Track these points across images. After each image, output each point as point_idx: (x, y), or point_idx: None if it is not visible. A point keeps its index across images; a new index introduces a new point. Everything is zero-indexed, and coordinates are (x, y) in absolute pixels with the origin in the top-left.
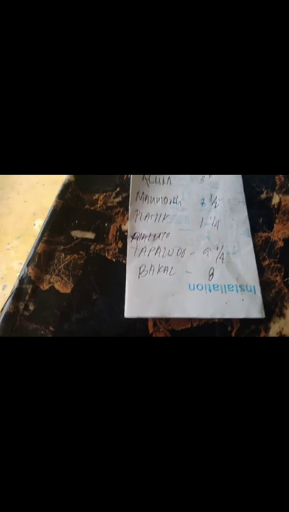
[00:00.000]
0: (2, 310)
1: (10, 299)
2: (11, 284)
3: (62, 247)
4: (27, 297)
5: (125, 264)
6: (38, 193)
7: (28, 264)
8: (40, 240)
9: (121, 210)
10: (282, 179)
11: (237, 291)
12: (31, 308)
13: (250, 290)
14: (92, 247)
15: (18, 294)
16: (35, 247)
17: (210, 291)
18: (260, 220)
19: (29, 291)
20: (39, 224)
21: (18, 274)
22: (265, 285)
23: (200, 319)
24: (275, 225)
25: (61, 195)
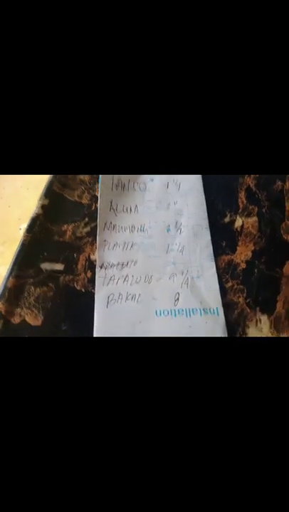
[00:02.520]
0: None
1: None
2: None
3: (31, 280)
4: None
5: (94, 294)
6: (22, 197)
7: None
8: (9, 274)
9: (90, 239)
10: (245, 202)
11: (201, 314)
12: None
13: (213, 312)
14: (61, 278)
15: None
16: (5, 283)
17: (175, 316)
18: (224, 244)
19: (0, 326)
20: (24, 228)
21: None
22: (228, 306)
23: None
24: (237, 247)
25: (29, 228)
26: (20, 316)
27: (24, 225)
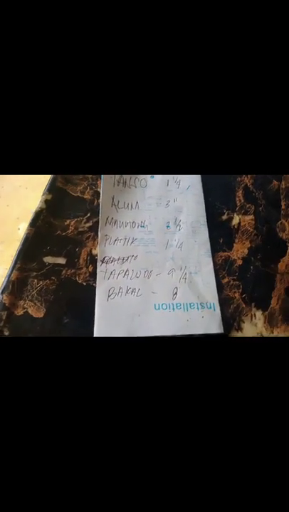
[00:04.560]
0: None
1: None
2: None
3: (34, 273)
4: (2, 323)
5: (95, 288)
6: (21, 197)
7: (2, 292)
8: (13, 267)
9: (91, 234)
10: (242, 200)
11: (198, 308)
12: (6, 333)
13: (210, 307)
14: (63, 272)
15: None
16: (9, 275)
17: (173, 310)
18: (221, 240)
19: (4, 317)
20: (23, 228)
21: None
22: (224, 301)
23: (164, 337)
24: (234, 244)
25: (33, 223)
26: (24, 308)
27: (23, 224)
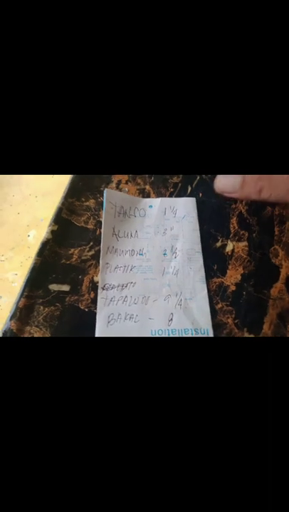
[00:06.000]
0: None
1: None
2: (5, 295)
3: (40, 300)
4: None
5: (96, 314)
6: (30, 205)
7: (10, 319)
8: (21, 295)
9: (94, 262)
10: (236, 227)
11: (192, 334)
12: None
13: (204, 333)
14: (67, 298)
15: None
16: (17, 303)
17: (168, 335)
18: (215, 267)
19: None
20: (33, 235)
21: (1, 329)
22: (217, 327)
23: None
24: (228, 270)
25: (40, 253)
26: (30, 333)
27: (33, 232)
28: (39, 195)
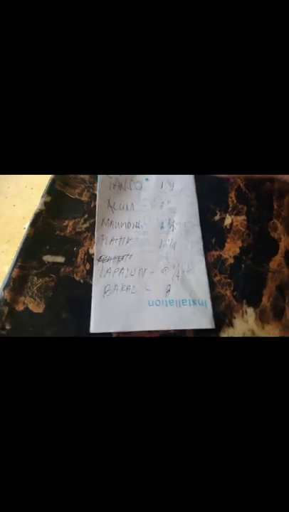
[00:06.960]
0: None
1: None
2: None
3: (34, 271)
4: (3, 318)
5: (92, 285)
6: (26, 197)
7: (3, 289)
8: (14, 265)
9: (89, 234)
10: (235, 201)
11: (190, 305)
12: (7, 327)
13: (202, 304)
14: (61, 270)
15: None
16: (10, 273)
17: (166, 306)
18: (213, 240)
19: (5, 312)
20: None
21: None
22: (216, 299)
23: (157, 331)
24: (226, 243)
25: (33, 223)
26: (24, 303)
27: (28, 224)
28: (35, 187)
